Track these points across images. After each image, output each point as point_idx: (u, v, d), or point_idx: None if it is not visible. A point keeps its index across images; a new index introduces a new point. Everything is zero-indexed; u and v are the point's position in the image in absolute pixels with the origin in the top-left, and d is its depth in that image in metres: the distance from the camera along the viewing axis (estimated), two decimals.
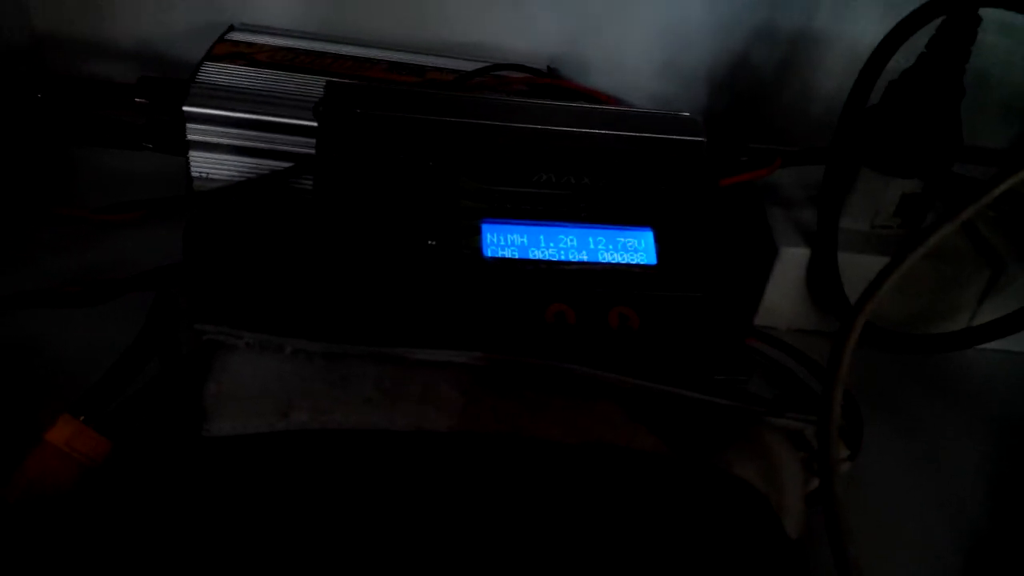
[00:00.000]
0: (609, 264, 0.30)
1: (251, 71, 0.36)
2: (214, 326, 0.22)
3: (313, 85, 0.36)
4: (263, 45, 0.38)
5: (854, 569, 0.22)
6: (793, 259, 0.34)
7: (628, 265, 0.30)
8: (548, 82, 0.40)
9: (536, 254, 0.30)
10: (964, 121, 0.33)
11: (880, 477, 0.30)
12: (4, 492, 0.21)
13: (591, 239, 0.30)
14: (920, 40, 0.32)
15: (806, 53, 0.46)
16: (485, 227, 0.30)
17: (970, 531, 0.29)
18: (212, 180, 0.35)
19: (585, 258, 0.30)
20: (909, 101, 0.33)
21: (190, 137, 0.34)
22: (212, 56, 0.37)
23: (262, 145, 0.35)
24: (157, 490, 0.21)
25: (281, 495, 0.20)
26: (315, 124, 0.29)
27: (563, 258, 0.30)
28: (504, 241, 0.30)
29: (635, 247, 0.31)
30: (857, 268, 0.33)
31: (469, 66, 0.39)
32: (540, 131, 0.31)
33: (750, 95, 0.47)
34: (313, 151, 0.30)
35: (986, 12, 0.31)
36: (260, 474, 0.21)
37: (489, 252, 0.29)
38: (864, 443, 0.30)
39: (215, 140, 0.35)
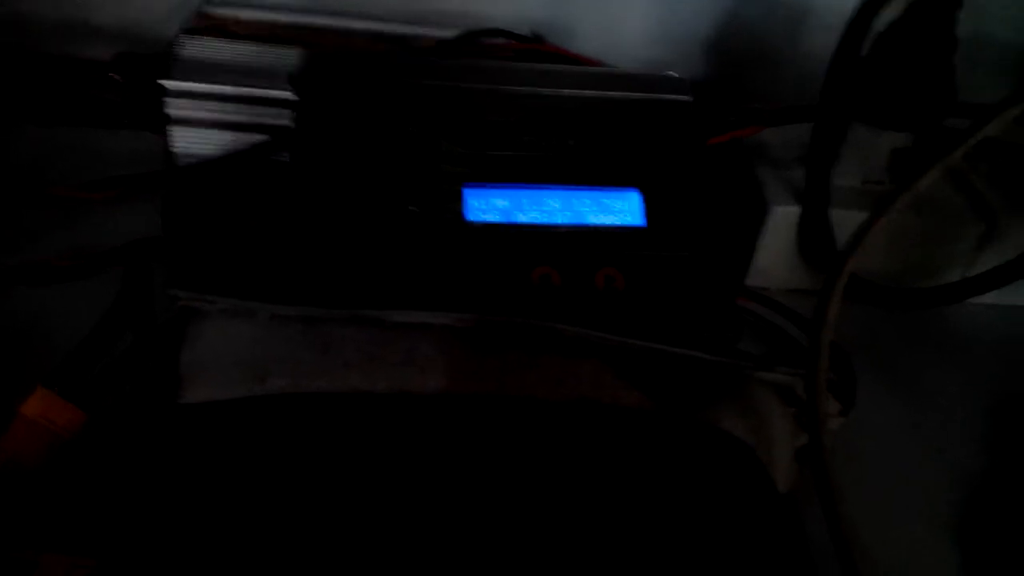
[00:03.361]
0: (595, 226, 0.30)
1: (229, 44, 0.36)
2: (187, 291, 0.21)
3: (293, 57, 0.36)
4: (241, 19, 0.38)
5: (845, 524, 0.22)
6: (785, 217, 0.34)
7: (615, 227, 0.30)
8: (532, 48, 0.39)
9: (520, 218, 0.29)
10: (964, 79, 0.32)
11: (875, 433, 0.30)
12: None
13: (576, 201, 0.30)
14: None
15: (801, 15, 0.45)
16: (467, 192, 0.29)
17: (965, 486, 0.28)
18: (191, 155, 0.34)
19: (571, 220, 0.30)
20: (899, 52, 0.32)
21: (167, 112, 0.34)
22: (188, 30, 0.36)
23: (242, 119, 0.34)
24: (133, 459, 0.21)
25: (260, 460, 0.20)
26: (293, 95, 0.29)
27: (548, 221, 0.29)
28: (487, 205, 0.29)
29: (622, 208, 0.30)
30: (849, 225, 0.31)
31: (453, 35, 0.39)
32: (522, 93, 0.31)
33: (744, 60, 0.46)
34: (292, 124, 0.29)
35: None
36: (239, 440, 0.21)
37: (472, 217, 0.29)
38: (858, 400, 0.29)
39: (193, 115, 0.34)
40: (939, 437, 0.30)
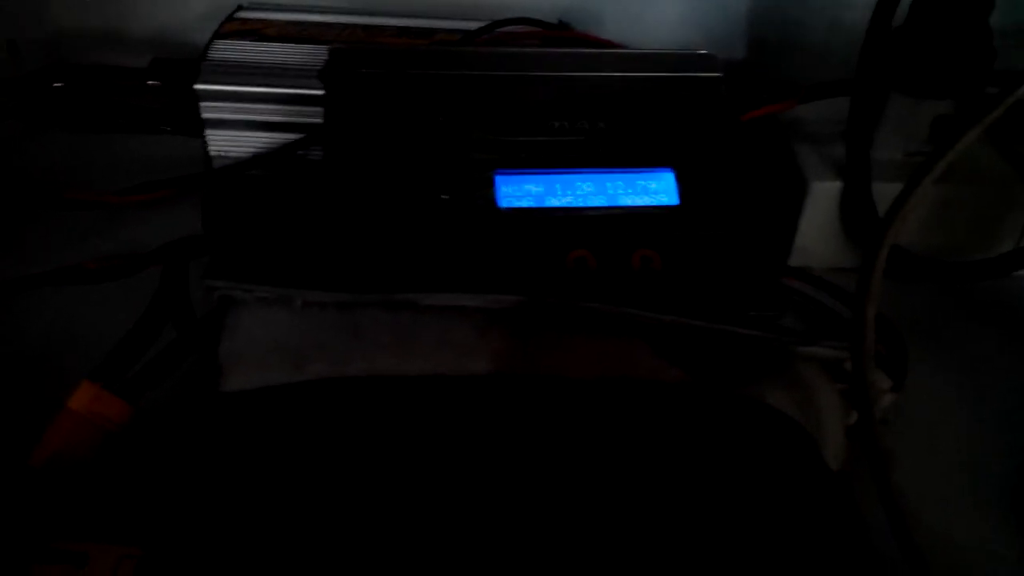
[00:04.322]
0: (630, 208, 0.29)
1: (261, 46, 0.36)
2: (224, 281, 0.22)
3: (323, 55, 0.36)
4: (272, 21, 0.38)
5: (897, 495, 0.21)
6: (825, 193, 0.33)
7: (649, 207, 0.29)
8: (560, 35, 0.39)
9: (552, 202, 0.29)
10: (1002, 47, 0.31)
11: (927, 408, 0.29)
12: (30, 459, 0.22)
13: (609, 184, 0.30)
14: None
15: None
16: (499, 179, 0.29)
17: (1018, 457, 0.27)
18: (230, 157, 0.35)
19: (604, 203, 0.29)
20: (935, 17, 0.31)
21: (204, 116, 0.34)
22: (221, 34, 0.37)
23: (277, 119, 0.35)
24: (177, 449, 0.21)
25: (302, 446, 0.20)
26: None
27: (581, 204, 0.29)
28: (519, 191, 0.29)
29: (656, 189, 0.30)
30: (892, 199, 0.31)
31: (479, 26, 0.39)
32: (551, 78, 0.31)
33: (772, 44, 0.46)
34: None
35: None
36: (279, 426, 0.21)
37: (504, 203, 0.29)
38: (910, 375, 0.28)
39: (229, 117, 0.35)
40: (991, 409, 0.29)
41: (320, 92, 0.33)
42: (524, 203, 0.29)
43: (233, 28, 0.37)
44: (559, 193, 0.29)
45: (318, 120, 0.35)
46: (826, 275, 0.33)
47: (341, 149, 0.28)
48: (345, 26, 0.39)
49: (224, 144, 0.35)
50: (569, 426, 0.21)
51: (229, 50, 0.36)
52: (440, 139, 0.29)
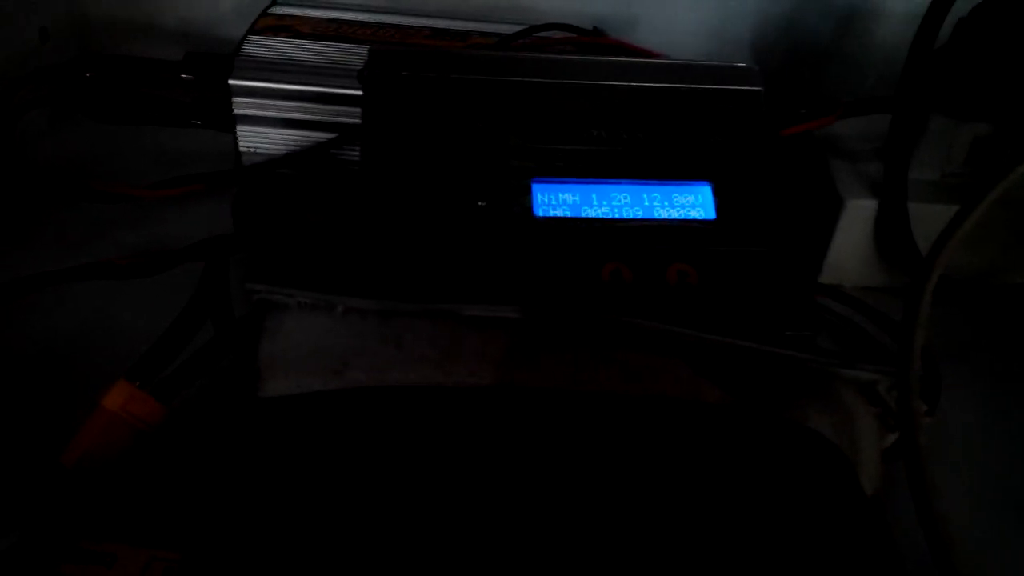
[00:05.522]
0: (666, 220, 0.29)
1: (295, 43, 0.36)
2: (266, 285, 0.21)
3: (357, 54, 0.36)
4: (306, 18, 0.38)
5: (941, 524, 0.21)
6: (860, 212, 0.33)
7: (686, 221, 0.29)
8: (595, 41, 0.39)
9: (589, 212, 0.29)
10: None
11: (961, 434, 0.28)
12: (62, 458, 0.21)
13: (646, 195, 0.29)
14: None
15: (864, 8, 0.44)
16: (535, 187, 0.29)
17: None
18: (260, 154, 0.35)
19: (640, 215, 0.29)
20: (980, 39, 0.31)
21: (237, 111, 0.34)
22: (255, 30, 0.37)
23: (309, 117, 0.35)
24: (214, 452, 0.21)
25: (342, 453, 0.20)
26: (361, 93, 0.29)
27: (617, 216, 0.29)
28: (555, 200, 0.29)
29: (693, 202, 0.29)
30: (928, 219, 0.31)
31: (513, 30, 0.39)
32: (590, 86, 0.30)
33: (807, 53, 0.45)
34: (359, 121, 0.29)
35: None
36: (320, 433, 0.20)
37: (540, 212, 0.28)
38: (943, 401, 0.28)
39: (262, 113, 0.34)
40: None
41: (353, 92, 0.32)
42: (560, 212, 0.29)
43: (267, 24, 0.37)
44: (595, 203, 0.29)
45: (351, 120, 0.35)
46: (856, 293, 0.33)
47: (378, 152, 0.28)
48: (380, 26, 0.38)
49: (255, 140, 0.35)
50: (610, 443, 0.21)
51: (263, 46, 0.36)
52: (478, 145, 0.29)
